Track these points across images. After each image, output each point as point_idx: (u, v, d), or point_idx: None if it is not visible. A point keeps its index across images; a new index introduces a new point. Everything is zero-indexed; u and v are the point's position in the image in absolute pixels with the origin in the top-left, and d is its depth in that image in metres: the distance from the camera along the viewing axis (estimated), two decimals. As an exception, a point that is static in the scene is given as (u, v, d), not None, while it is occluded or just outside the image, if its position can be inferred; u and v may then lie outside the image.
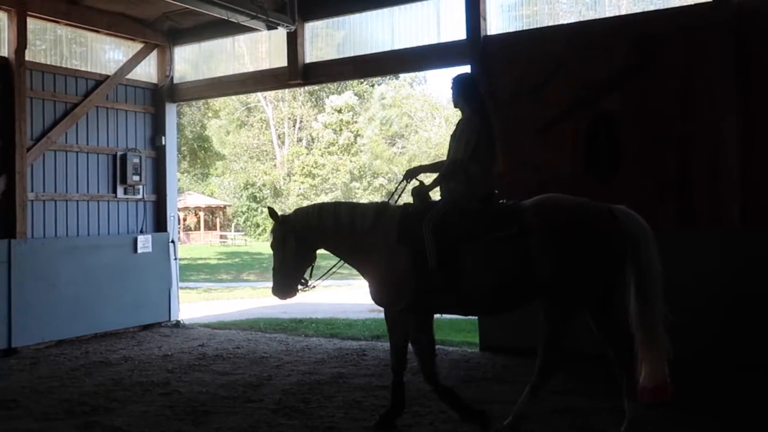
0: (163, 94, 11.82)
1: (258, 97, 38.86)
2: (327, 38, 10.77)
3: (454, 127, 5.78)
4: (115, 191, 11.08)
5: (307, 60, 10.51)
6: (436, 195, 5.72)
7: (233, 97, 35.33)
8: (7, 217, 9.59)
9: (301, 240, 5.65)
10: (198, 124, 35.05)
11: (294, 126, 41.62)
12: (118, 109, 11.30)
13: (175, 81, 11.89)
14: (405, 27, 9.89)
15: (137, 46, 11.61)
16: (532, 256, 5.03)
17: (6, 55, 9.82)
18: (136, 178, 11.17)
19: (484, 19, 8.94)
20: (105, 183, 11.00)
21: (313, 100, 40.27)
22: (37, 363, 8.56)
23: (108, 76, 11.10)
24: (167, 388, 7.09)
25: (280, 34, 10.54)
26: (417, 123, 40.58)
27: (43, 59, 10.37)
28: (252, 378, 7.38)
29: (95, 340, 9.99)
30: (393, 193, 5.86)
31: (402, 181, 5.77)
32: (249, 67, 11.39)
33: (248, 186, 38.67)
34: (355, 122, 36.51)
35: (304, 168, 35.58)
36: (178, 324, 11.28)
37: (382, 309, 5.75)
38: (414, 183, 5.71)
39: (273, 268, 5.78)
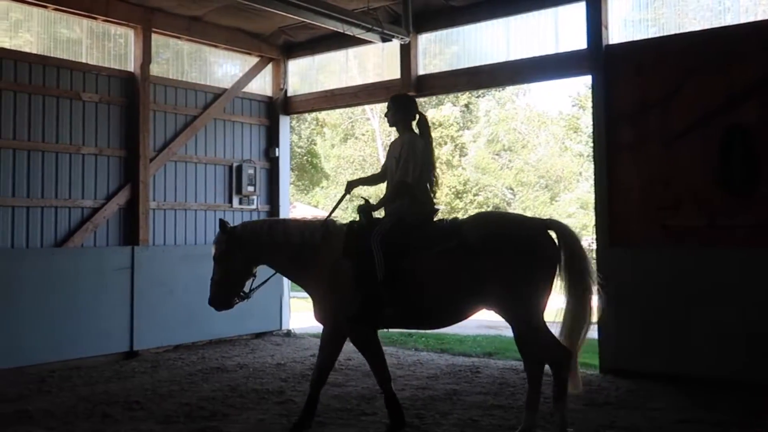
0: (277, 107, 12.06)
1: (365, 109, 39.17)
2: (440, 50, 10.69)
3: (390, 147, 6.00)
4: (230, 201, 11.38)
5: (420, 72, 10.45)
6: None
7: (338, 112, 35.84)
8: (131, 224, 9.99)
9: (247, 254, 5.81)
10: (308, 139, 35.68)
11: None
12: (235, 122, 11.61)
13: (288, 94, 12.12)
14: (521, 37, 9.67)
15: (253, 60, 11.91)
16: (472, 269, 5.24)
17: (132, 69, 10.27)
18: (250, 188, 11.42)
19: (606, 28, 8.62)
20: (221, 193, 11.31)
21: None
22: (157, 366, 8.83)
23: (225, 90, 11.43)
24: (282, 396, 7.13)
25: (392, 46, 10.53)
26: (524, 136, 39.88)
27: (165, 73, 10.78)
28: (365, 391, 7.32)
29: (210, 346, 10.24)
30: (335, 207, 6.25)
31: (345, 193, 6.05)
32: (360, 80, 11.44)
33: (353, 198, 38.99)
34: (460, 135, 36.17)
35: (414, 179, 35.66)
36: (289, 333, 11.42)
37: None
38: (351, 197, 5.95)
39: (212, 280, 5.88)
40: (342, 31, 9.52)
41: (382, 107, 40.34)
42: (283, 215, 11.85)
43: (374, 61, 11.49)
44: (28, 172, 9.12)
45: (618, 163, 8.34)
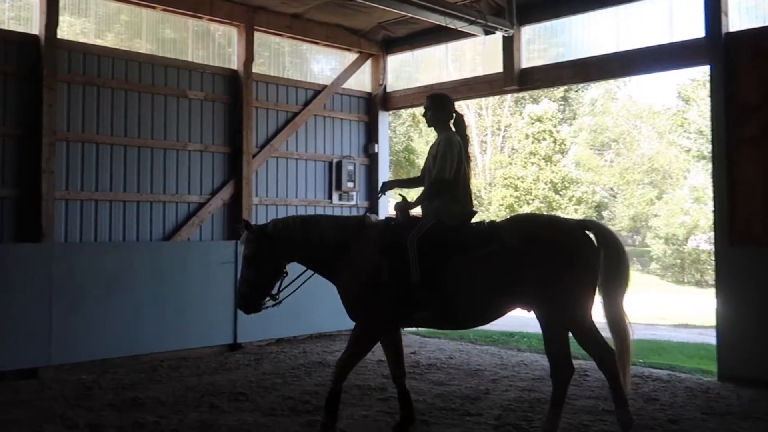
0: (376, 103, 12.05)
1: (459, 105, 38.93)
2: (544, 42, 10.39)
3: (431, 146, 5.84)
4: (330, 197, 11.45)
5: (524, 65, 10.18)
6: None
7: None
8: (235, 219, 10.18)
9: (280, 253, 5.62)
10: (404, 135, 35.74)
11: (497, 134, 41.30)
12: (334, 118, 11.67)
13: (387, 90, 12.07)
14: (632, 26, 9.26)
15: (352, 57, 11.93)
16: (512, 271, 5.15)
17: (235, 67, 10.47)
18: (350, 184, 11.46)
19: (726, 15, 8.11)
20: (321, 189, 11.40)
21: (517, 107, 39.66)
22: (260, 359, 8.96)
23: (325, 86, 11.49)
24: (384, 393, 7.07)
25: (493, 40, 10.32)
26: (627, 131, 38.66)
27: (266, 71, 10.93)
28: (468, 390, 7.17)
29: (311, 340, 10.32)
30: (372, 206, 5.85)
31: (379, 193, 5.97)
32: (460, 74, 11.26)
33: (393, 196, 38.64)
34: (558, 131, 35.33)
35: (506, 179, 34.99)
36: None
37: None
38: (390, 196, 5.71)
39: (242, 281, 5.66)
40: (445, 24, 9.38)
41: (478, 102, 40.13)
42: (381, 212, 11.81)
43: (471, 55, 11.29)
44: (138, 168, 9.44)
45: (739, 159, 7.83)
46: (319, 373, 8.07)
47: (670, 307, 21.29)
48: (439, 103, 5.90)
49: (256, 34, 10.57)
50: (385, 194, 6.07)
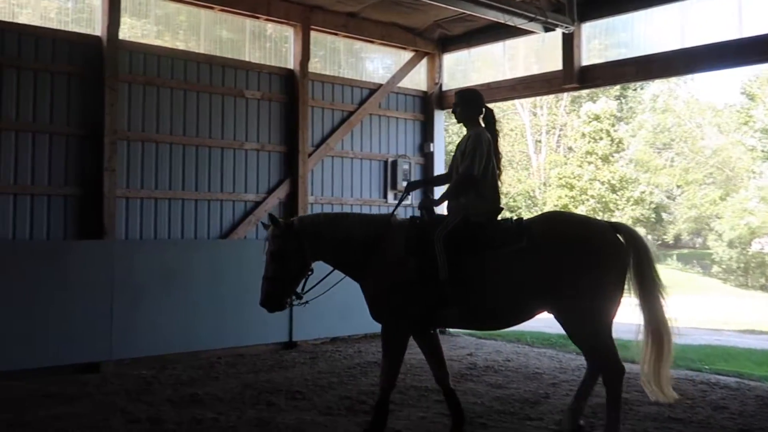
0: (431, 102, 11.96)
1: (514, 104, 38.42)
2: (605, 39, 10.14)
3: (460, 141, 5.75)
4: (385, 196, 11.41)
5: (584, 63, 9.94)
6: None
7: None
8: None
9: (306, 250, 5.44)
10: (458, 134, 35.51)
11: (552, 133, 40.76)
12: (390, 117, 11.62)
13: (443, 88, 11.97)
14: (697, 22, 8.97)
15: (407, 55, 11.87)
16: (541, 270, 5.04)
17: (291, 67, 10.50)
18: (405, 184, 11.37)
19: (800, 7, 7.79)
20: (376, 188, 11.37)
21: (573, 106, 39.05)
22: (315, 358, 8.97)
23: (380, 85, 11.45)
24: (441, 395, 6.94)
25: (551, 37, 10.12)
26: (688, 129, 37.67)
27: (321, 70, 10.94)
28: (527, 394, 7.04)
29: (365, 340, 10.29)
30: (396, 206, 6.01)
31: (405, 194, 5.87)
32: (511, 74, 11.08)
33: (501, 195, 38.22)
34: (615, 130, 34.61)
35: (561, 178, 34.45)
36: (444, 331, 11.26)
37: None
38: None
39: (265, 278, 5.44)
40: (503, 21, 9.24)
41: (533, 101, 39.66)
42: (437, 211, 11.69)
43: (527, 53, 11.11)
44: (196, 167, 9.55)
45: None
46: (375, 373, 8.01)
47: (734, 312, 20.61)
48: (468, 99, 5.82)
49: (312, 34, 10.58)
50: (409, 195, 5.96)
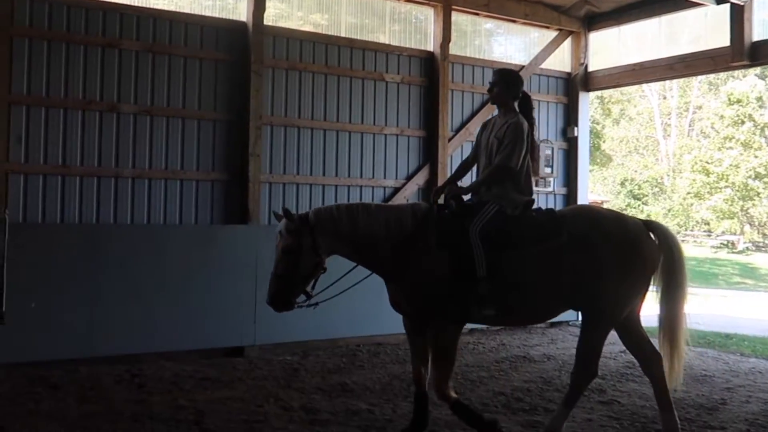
0: (576, 83, 11.36)
1: (642, 87, 36.54)
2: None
3: (484, 127, 5.49)
4: (527, 183, 10.93)
5: (755, 38, 9.08)
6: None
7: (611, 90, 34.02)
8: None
9: (322, 245, 4.93)
10: (591, 119, 34.27)
11: (683, 116, 38.63)
12: (532, 100, 11.08)
13: (589, 69, 11.34)
14: None
15: (551, 35, 11.32)
16: (576, 265, 4.88)
17: (431, 49, 10.21)
18: (548, 170, 10.89)
19: None
20: (518, 174, 10.90)
21: (710, 87, 36.80)
22: (460, 350, 8.65)
23: (522, 66, 10.96)
24: (604, 396, 6.54)
25: (716, 11, 9.32)
26: None
27: (461, 51, 10.57)
28: (701, 399, 6.48)
29: (505, 332, 9.90)
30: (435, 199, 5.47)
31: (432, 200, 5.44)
32: (675, 50, 10.30)
33: (626, 182, 36.88)
34: (761, 114, 32.18)
35: (696, 164, 32.44)
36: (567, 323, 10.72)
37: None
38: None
39: (276, 275, 4.90)
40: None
41: (662, 83, 37.65)
42: (581, 200, 11.16)
43: (686, 29, 10.31)
44: (336, 151, 9.45)
45: None
46: (525, 368, 7.68)
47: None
48: (508, 80, 5.43)
49: (452, 14, 10.23)
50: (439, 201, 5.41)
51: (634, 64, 10.50)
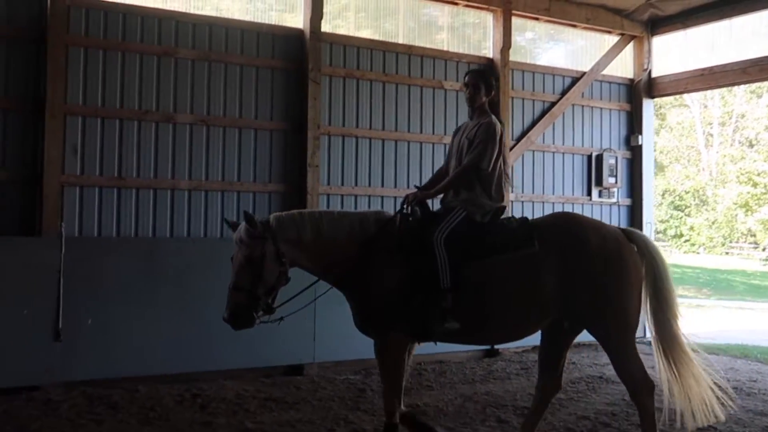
0: (639, 90, 10.93)
1: (682, 96, 35.82)
2: None
3: (463, 128, 5.20)
4: (589, 193, 10.51)
5: (840, 39, 8.63)
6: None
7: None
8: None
9: (285, 255, 4.55)
10: (666, 124, 33.59)
11: (727, 125, 37.74)
12: (593, 107, 10.73)
13: (653, 75, 10.90)
14: None
15: (612, 39, 10.91)
16: (551, 277, 4.61)
17: (490, 56, 9.87)
18: (611, 180, 10.45)
19: None
20: (579, 185, 10.50)
21: (752, 94, 35.91)
22: (527, 369, 8.32)
23: (584, 73, 10.58)
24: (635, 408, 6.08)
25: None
26: None
27: (520, 58, 10.21)
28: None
29: (573, 349, 9.36)
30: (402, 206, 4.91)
31: (405, 207, 4.90)
32: (747, 54, 9.80)
33: (666, 193, 36.09)
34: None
35: (741, 174, 31.59)
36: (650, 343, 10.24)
37: None
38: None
39: (236, 288, 4.48)
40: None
41: (704, 92, 36.76)
42: (646, 211, 10.71)
43: (764, 31, 9.80)
44: (395, 162, 9.13)
45: None
46: (605, 389, 7.25)
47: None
48: (484, 81, 5.17)
49: (512, 19, 9.89)
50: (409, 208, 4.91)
51: (703, 69, 10.05)
